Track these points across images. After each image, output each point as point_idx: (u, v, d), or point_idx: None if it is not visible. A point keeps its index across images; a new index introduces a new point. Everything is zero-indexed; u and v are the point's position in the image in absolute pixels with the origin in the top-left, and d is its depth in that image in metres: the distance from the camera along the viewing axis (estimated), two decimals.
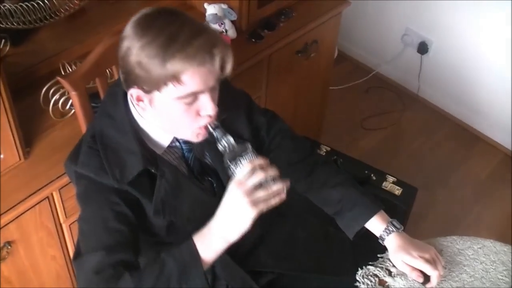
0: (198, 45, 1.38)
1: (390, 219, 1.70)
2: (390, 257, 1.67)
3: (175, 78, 1.39)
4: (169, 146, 1.59)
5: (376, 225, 1.69)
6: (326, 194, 1.77)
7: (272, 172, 1.42)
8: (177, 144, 1.62)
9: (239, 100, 1.77)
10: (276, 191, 1.41)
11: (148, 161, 1.52)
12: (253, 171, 1.40)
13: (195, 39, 1.38)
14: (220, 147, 1.50)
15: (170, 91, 1.41)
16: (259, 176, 1.40)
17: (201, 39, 1.39)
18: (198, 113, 1.48)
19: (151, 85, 1.41)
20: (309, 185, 1.80)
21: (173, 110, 1.46)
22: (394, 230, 1.67)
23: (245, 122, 1.72)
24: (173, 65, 1.37)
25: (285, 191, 1.43)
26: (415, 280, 1.63)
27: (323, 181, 1.78)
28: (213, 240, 1.44)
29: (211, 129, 1.50)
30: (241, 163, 1.44)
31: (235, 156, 1.46)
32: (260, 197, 1.40)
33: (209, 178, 1.68)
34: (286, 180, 1.43)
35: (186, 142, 1.62)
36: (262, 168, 1.41)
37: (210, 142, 1.57)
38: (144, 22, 1.41)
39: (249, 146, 1.48)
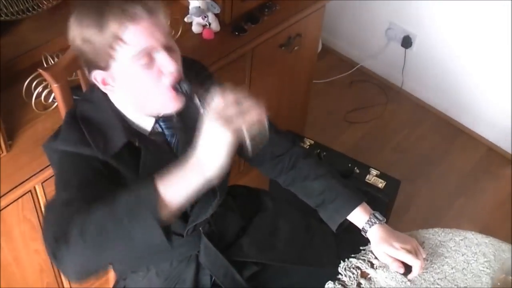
0: (127, 1, 1.39)
1: (373, 211, 1.71)
2: (372, 248, 1.68)
3: (117, 38, 1.39)
4: (152, 133, 1.59)
5: (358, 217, 1.70)
6: (309, 186, 1.78)
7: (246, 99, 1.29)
8: (160, 129, 1.61)
9: (208, 81, 1.74)
10: (249, 107, 1.27)
11: (131, 133, 1.52)
12: (224, 100, 1.27)
13: None
14: (196, 102, 1.41)
15: (122, 55, 1.42)
16: (229, 98, 1.27)
17: None
18: (159, 73, 1.46)
19: (102, 55, 1.42)
20: (292, 178, 1.81)
21: (134, 76, 1.45)
22: (377, 222, 1.68)
23: None
24: (110, 27, 1.38)
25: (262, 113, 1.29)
26: (396, 272, 1.64)
27: (306, 174, 1.79)
28: (187, 175, 1.27)
29: (178, 86, 1.46)
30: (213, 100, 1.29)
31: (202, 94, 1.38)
32: (232, 115, 1.25)
33: None
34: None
35: (168, 127, 1.61)
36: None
37: (189, 122, 1.56)
38: (77, 7, 1.44)
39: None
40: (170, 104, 1.51)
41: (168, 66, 1.45)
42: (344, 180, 1.79)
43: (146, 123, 1.57)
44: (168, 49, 1.46)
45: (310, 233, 1.95)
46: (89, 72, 1.50)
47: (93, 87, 1.57)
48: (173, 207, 1.26)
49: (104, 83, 1.49)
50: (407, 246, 1.64)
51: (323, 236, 1.94)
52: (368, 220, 1.69)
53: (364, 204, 1.72)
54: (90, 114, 1.54)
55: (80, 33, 1.42)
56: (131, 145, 1.52)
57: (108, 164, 1.48)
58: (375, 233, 1.68)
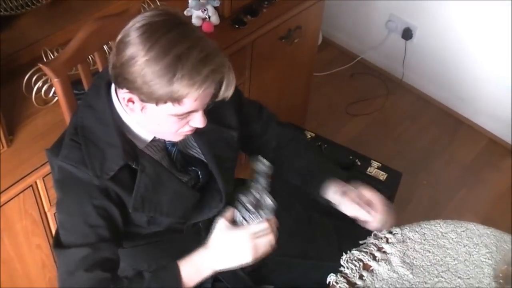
0: (206, 74, 1.36)
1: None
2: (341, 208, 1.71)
3: (177, 100, 1.38)
4: (153, 140, 1.58)
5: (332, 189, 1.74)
6: (295, 164, 1.84)
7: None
8: (160, 138, 1.61)
9: None
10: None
11: (129, 155, 1.51)
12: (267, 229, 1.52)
13: (203, 66, 1.35)
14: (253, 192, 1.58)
15: (168, 108, 1.40)
16: (268, 236, 1.53)
17: (209, 66, 1.36)
18: (186, 124, 1.49)
19: (149, 99, 1.39)
20: (288, 163, 1.86)
21: (164, 121, 1.46)
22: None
23: (234, 113, 1.72)
24: (178, 89, 1.35)
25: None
26: (399, 265, 1.64)
27: (293, 155, 1.85)
28: (202, 269, 1.52)
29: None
30: (260, 215, 1.55)
31: (258, 205, 1.56)
32: (261, 244, 1.52)
33: (194, 168, 1.68)
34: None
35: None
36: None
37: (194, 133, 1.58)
38: (151, 33, 1.36)
39: (273, 206, 1.57)
40: (177, 139, 1.58)
41: (197, 124, 1.49)
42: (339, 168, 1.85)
43: (148, 134, 1.57)
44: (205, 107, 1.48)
45: (312, 227, 1.95)
46: (119, 86, 1.44)
47: (99, 90, 1.55)
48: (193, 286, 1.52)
49: (128, 103, 1.46)
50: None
51: (325, 229, 1.94)
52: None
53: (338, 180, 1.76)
54: (92, 125, 1.52)
55: (143, 70, 1.35)
56: (129, 164, 1.52)
57: (108, 187, 1.50)
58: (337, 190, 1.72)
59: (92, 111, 1.54)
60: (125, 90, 1.42)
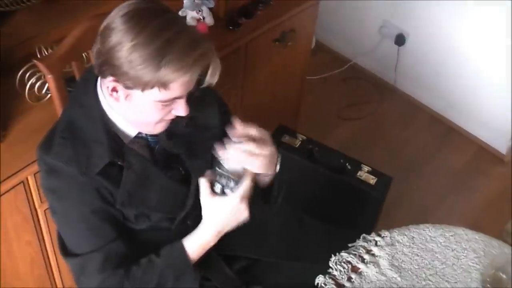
0: (195, 58, 1.37)
1: None
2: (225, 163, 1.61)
3: (164, 85, 1.39)
4: (135, 136, 1.59)
5: None
6: None
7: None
8: (143, 134, 1.61)
9: (209, 96, 1.74)
10: None
11: (115, 152, 1.52)
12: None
13: (192, 50, 1.37)
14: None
15: (154, 94, 1.41)
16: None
17: (198, 50, 1.38)
18: (169, 112, 1.50)
19: (136, 84, 1.40)
20: None
21: (148, 109, 1.47)
22: None
23: (217, 111, 1.73)
24: (167, 73, 1.36)
25: None
26: (387, 268, 1.65)
27: None
28: (206, 243, 1.62)
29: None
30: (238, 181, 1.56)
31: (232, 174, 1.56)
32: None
33: (176, 165, 1.69)
34: None
35: (152, 135, 1.62)
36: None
37: (173, 130, 1.60)
38: (138, 19, 1.37)
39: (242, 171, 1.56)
40: (160, 130, 1.58)
41: (181, 112, 1.50)
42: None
43: (131, 129, 1.58)
44: (188, 94, 1.48)
45: (302, 229, 1.96)
46: (103, 75, 1.45)
47: (88, 86, 1.56)
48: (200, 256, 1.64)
49: (112, 93, 1.46)
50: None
51: (314, 231, 1.95)
52: None
53: None
54: (80, 122, 1.53)
55: (130, 55, 1.35)
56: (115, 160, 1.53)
57: (99, 182, 1.51)
58: None
59: (81, 109, 1.55)
60: (109, 79, 1.43)
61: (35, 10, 2.20)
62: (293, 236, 1.95)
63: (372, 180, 2.68)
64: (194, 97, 1.53)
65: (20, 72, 2.07)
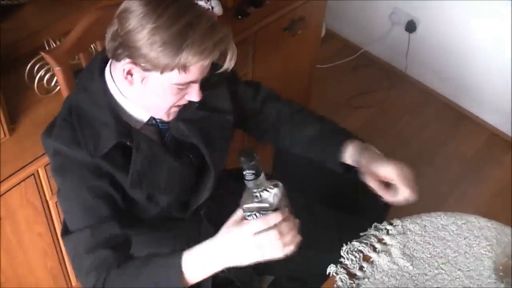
0: (215, 42, 1.38)
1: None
2: (364, 170, 1.66)
3: (184, 67, 1.39)
4: (147, 123, 1.59)
5: (351, 151, 1.71)
6: (299, 135, 1.82)
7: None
8: (153, 121, 1.61)
9: (219, 76, 1.75)
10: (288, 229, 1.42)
11: (123, 134, 1.51)
12: (267, 228, 1.39)
13: (213, 34, 1.38)
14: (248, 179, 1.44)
15: (172, 76, 1.41)
16: (271, 234, 1.39)
17: (218, 34, 1.39)
18: (182, 97, 1.50)
19: (155, 66, 1.40)
20: (295, 136, 1.84)
21: (164, 91, 1.47)
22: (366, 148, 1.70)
23: (229, 97, 1.72)
24: (188, 55, 1.36)
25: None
26: (399, 257, 1.64)
27: (298, 125, 1.83)
28: (207, 261, 1.44)
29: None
30: (260, 213, 1.43)
31: (259, 202, 1.44)
32: (266, 243, 1.40)
33: (187, 153, 1.68)
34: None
35: (163, 121, 1.62)
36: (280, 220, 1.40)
37: (185, 116, 1.59)
38: (157, 2, 1.38)
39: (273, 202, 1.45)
40: (168, 118, 1.57)
41: (194, 97, 1.50)
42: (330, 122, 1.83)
43: (143, 116, 1.58)
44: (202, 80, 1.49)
45: (313, 218, 1.95)
46: (118, 59, 1.44)
47: (93, 72, 1.55)
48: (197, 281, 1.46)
49: (126, 75, 1.46)
50: (400, 167, 1.65)
51: (325, 220, 1.94)
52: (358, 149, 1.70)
53: (354, 140, 1.73)
54: (85, 106, 1.53)
55: (151, 37, 1.36)
56: (123, 143, 1.52)
57: (100, 167, 1.50)
58: (367, 156, 1.67)
59: (86, 93, 1.55)
60: (126, 61, 1.42)
61: (42, 3, 2.20)
62: (303, 225, 1.95)
63: None
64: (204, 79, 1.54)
65: (29, 65, 2.08)
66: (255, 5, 2.60)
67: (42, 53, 1.82)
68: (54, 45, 2.14)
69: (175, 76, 1.41)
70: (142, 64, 1.41)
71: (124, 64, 1.43)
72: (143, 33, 1.36)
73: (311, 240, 1.90)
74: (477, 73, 3.52)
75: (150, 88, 1.47)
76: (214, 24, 1.39)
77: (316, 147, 1.78)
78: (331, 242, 1.83)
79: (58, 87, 2.04)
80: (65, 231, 1.54)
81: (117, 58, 1.45)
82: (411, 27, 3.66)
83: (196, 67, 1.41)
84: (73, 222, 1.52)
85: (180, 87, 1.45)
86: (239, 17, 2.54)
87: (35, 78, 2.07)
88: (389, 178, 1.63)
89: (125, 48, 1.40)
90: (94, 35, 1.86)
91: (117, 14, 1.43)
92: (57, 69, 1.80)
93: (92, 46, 2.00)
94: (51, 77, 2.08)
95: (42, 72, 2.07)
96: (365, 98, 3.72)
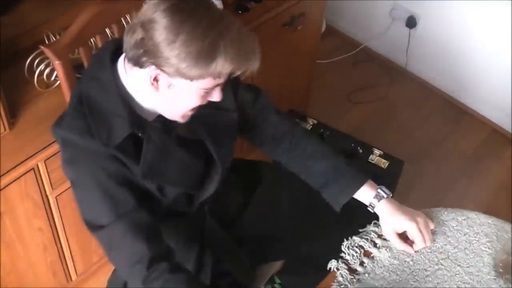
0: (247, 46, 1.41)
1: (378, 186, 1.70)
2: (381, 223, 1.68)
3: (219, 74, 1.40)
4: (158, 117, 1.58)
5: (365, 193, 1.70)
6: (312, 166, 1.77)
7: None
8: (162, 117, 1.59)
9: None
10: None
11: (136, 124, 1.50)
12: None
13: (243, 41, 1.40)
14: None
15: (203, 82, 1.42)
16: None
17: (248, 41, 1.42)
18: (205, 99, 1.50)
19: (185, 76, 1.39)
20: (294, 158, 1.80)
21: (191, 95, 1.47)
22: (384, 196, 1.68)
23: (232, 96, 1.72)
24: (222, 65, 1.37)
25: None
26: (400, 252, 1.64)
27: (309, 154, 1.78)
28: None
29: None
30: None
31: None
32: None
33: (194, 148, 1.68)
34: None
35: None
36: None
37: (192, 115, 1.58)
38: (182, 15, 1.36)
39: None
40: (182, 120, 1.56)
41: (216, 98, 1.50)
42: (347, 159, 1.78)
43: (155, 109, 1.57)
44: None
45: (313, 213, 1.95)
46: (143, 66, 1.42)
47: (103, 61, 1.53)
48: None
49: (152, 82, 1.44)
50: (416, 220, 1.65)
51: (325, 216, 1.93)
52: (376, 195, 1.68)
53: (370, 181, 1.72)
54: (97, 95, 1.51)
55: (183, 51, 1.35)
56: (134, 134, 1.52)
57: (113, 156, 1.49)
58: (384, 208, 1.67)
59: (97, 82, 1.52)
60: (151, 68, 1.41)
61: None
62: (303, 221, 1.95)
63: (383, 164, 2.68)
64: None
65: (29, 60, 2.07)
66: (256, 0, 2.59)
67: (42, 47, 1.81)
68: (54, 39, 2.14)
69: (205, 82, 1.41)
70: (171, 72, 1.39)
71: (150, 71, 1.42)
72: (175, 45, 1.35)
73: (311, 236, 1.91)
74: (477, 69, 3.52)
75: (175, 93, 1.46)
76: (242, 32, 1.41)
77: (327, 184, 1.76)
78: (331, 238, 1.82)
79: (58, 82, 2.04)
80: (97, 226, 1.52)
81: (142, 65, 1.42)
82: (411, 23, 3.66)
83: (226, 73, 1.41)
84: (98, 214, 1.51)
85: (207, 90, 1.46)
86: (239, 12, 2.54)
87: (35, 72, 2.07)
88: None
89: (152, 57, 1.39)
90: (94, 29, 1.86)
91: (140, 22, 1.39)
92: (57, 63, 1.79)
93: (91, 40, 1.99)
94: (51, 71, 2.08)
95: (42, 67, 2.07)
96: (365, 94, 3.72)
